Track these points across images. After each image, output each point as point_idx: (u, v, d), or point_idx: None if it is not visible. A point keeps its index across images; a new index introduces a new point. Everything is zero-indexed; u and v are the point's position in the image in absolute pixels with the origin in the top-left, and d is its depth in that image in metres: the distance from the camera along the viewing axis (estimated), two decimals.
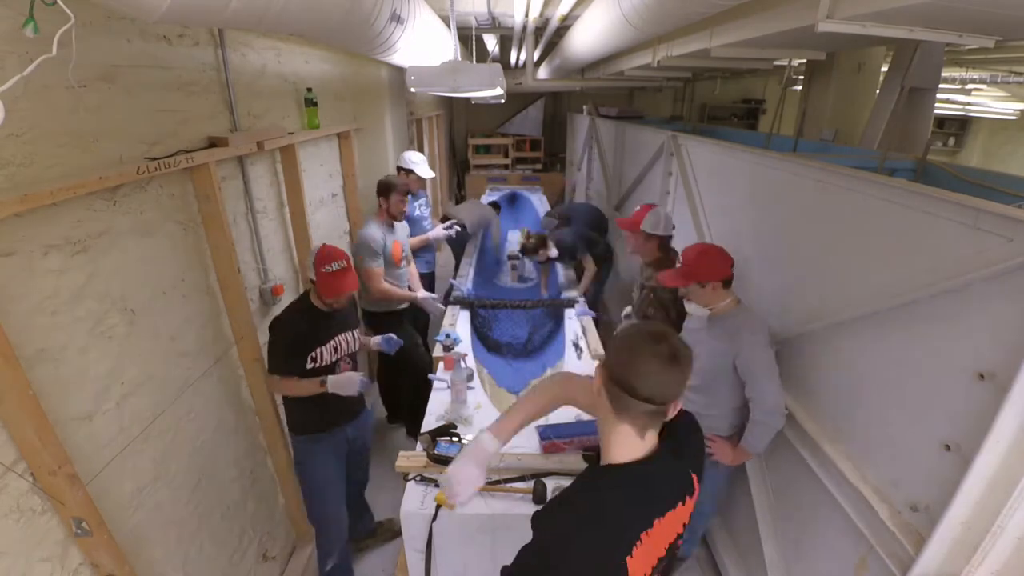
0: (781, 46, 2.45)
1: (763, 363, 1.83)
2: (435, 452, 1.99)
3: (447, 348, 2.78)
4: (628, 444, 0.95)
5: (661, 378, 0.90)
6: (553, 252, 3.80)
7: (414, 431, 3.34)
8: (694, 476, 1.01)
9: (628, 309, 2.92)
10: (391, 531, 2.67)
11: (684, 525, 1.00)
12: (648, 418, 0.94)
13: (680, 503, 0.98)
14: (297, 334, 1.97)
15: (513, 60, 6.86)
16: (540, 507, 1.00)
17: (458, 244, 4.67)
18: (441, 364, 2.73)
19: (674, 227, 2.63)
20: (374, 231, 2.88)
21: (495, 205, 5.32)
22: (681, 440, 1.01)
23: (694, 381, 2.11)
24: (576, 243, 3.89)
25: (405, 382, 3.41)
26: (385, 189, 2.93)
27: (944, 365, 1.27)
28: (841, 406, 1.68)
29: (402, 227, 3.15)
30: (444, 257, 5.56)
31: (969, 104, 8.28)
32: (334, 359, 2.07)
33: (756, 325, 1.90)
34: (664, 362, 0.90)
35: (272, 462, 2.36)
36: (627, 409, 0.92)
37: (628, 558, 0.89)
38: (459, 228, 4.06)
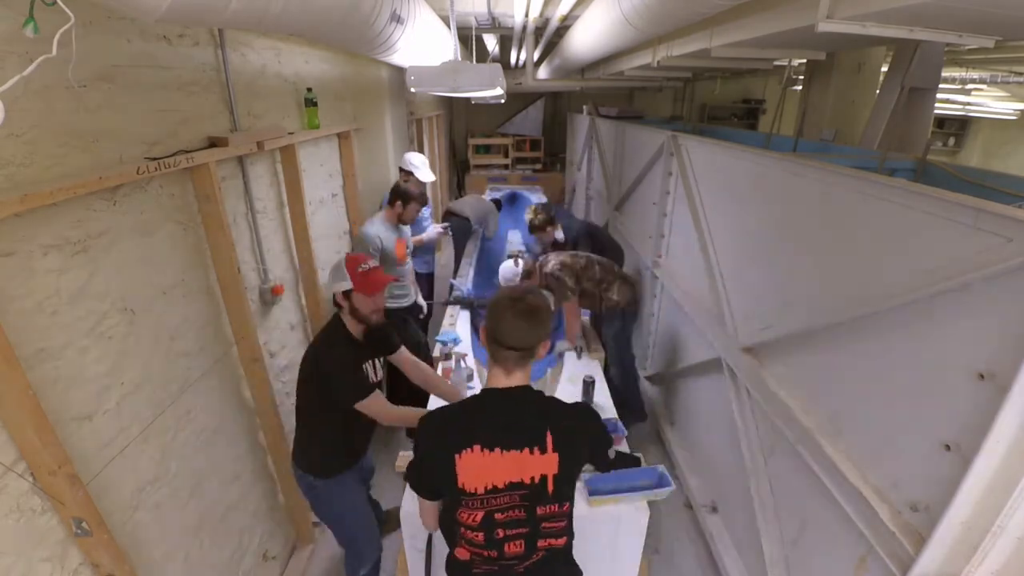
0: (781, 46, 2.45)
1: None
2: None
3: (447, 356, 2.77)
4: (496, 378, 1.23)
5: (514, 328, 1.17)
6: (559, 235, 3.71)
7: (413, 431, 3.35)
8: (549, 438, 1.19)
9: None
10: (398, 519, 2.67)
11: (536, 480, 1.19)
12: (513, 361, 1.20)
13: (527, 449, 1.18)
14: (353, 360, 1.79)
15: (513, 60, 6.86)
16: None
17: (462, 236, 4.73)
18: (440, 367, 2.74)
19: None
20: (375, 229, 2.94)
21: (496, 203, 5.35)
22: (555, 410, 1.26)
23: None
24: (579, 236, 3.76)
25: (404, 381, 3.41)
26: (405, 196, 3.00)
27: (944, 365, 1.27)
28: (841, 406, 1.68)
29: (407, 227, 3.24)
30: (444, 257, 5.57)
31: (969, 104, 8.29)
32: None
33: None
34: (517, 316, 1.17)
35: (272, 462, 2.36)
36: (496, 353, 1.21)
37: (456, 455, 1.15)
38: (451, 232, 4.14)
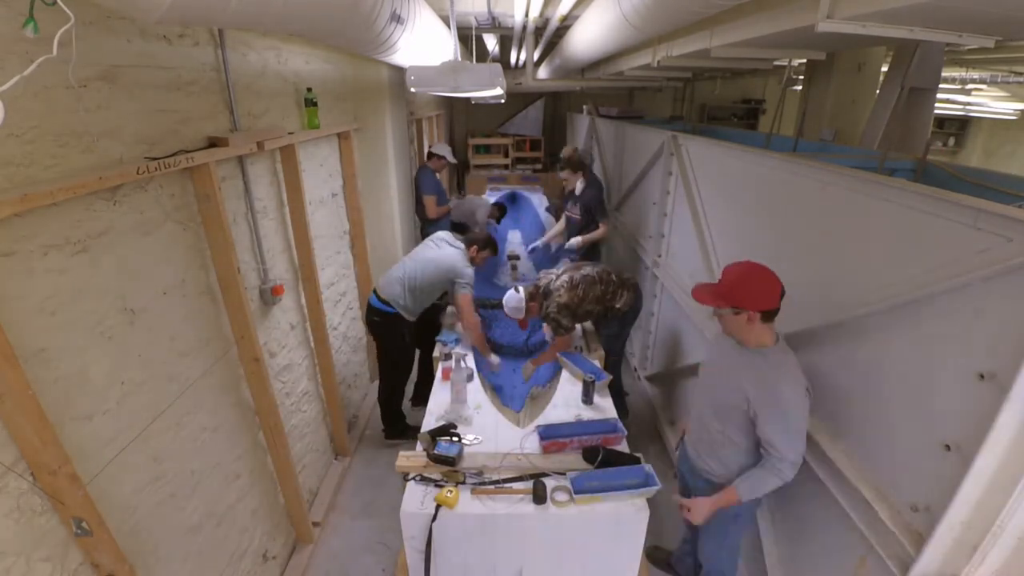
0: (781, 46, 2.45)
1: (795, 412, 1.55)
2: (435, 452, 1.99)
3: (447, 356, 2.77)
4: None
5: None
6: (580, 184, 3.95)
7: (392, 435, 3.38)
8: None
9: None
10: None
11: None
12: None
13: None
14: None
15: (513, 60, 6.86)
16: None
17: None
18: (439, 370, 2.74)
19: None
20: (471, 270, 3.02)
21: (500, 207, 5.39)
22: None
23: (710, 411, 1.82)
24: (595, 202, 3.86)
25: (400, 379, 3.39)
26: (493, 245, 3.18)
27: (944, 365, 1.27)
28: (841, 406, 1.68)
29: None
30: None
31: (969, 104, 8.29)
32: None
33: (793, 374, 1.59)
34: None
35: (272, 462, 2.36)
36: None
37: None
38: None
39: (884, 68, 4.18)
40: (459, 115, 9.90)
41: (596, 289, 2.81)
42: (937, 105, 4.03)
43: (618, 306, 2.88)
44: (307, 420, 2.81)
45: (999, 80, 6.43)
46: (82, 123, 1.31)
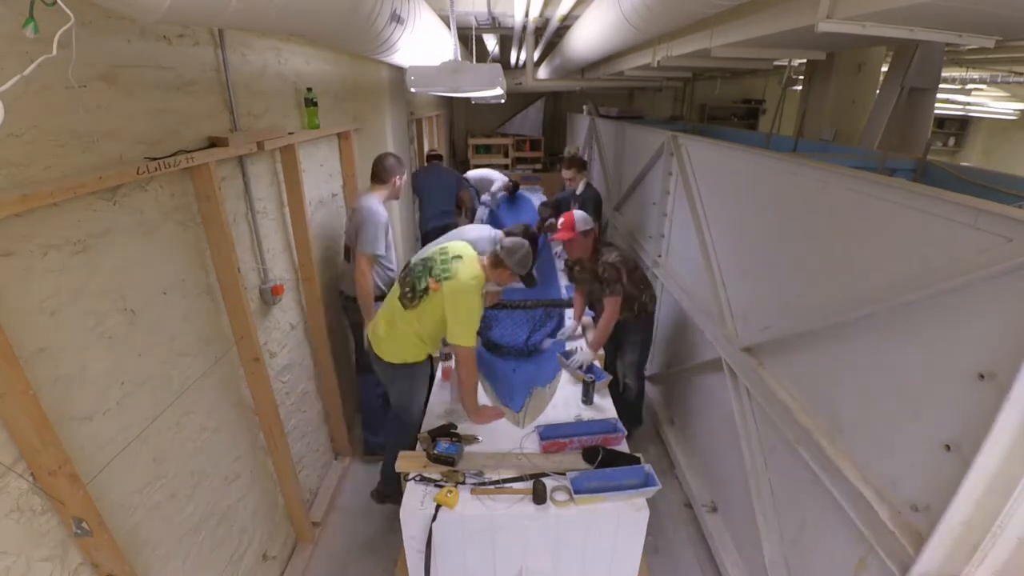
0: (781, 46, 2.45)
1: None
2: (435, 452, 1.99)
3: (447, 356, 2.77)
4: None
5: None
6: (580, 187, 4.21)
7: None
8: None
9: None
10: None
11: None
12: None
13: None
14: None
15: (513, 60, 6.86)
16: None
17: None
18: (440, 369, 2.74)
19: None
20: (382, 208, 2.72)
21: (515, 183, 5.73)
22: None
23: None
24: (587, 203, 3.93)
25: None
26: (401, 168, 2.90)
27: (944, 365, 1.27)
28: (841, 406, 1.68)
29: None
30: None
31: (969, 104, 8.28)
32: None
33: None
34: None
35: (272, 462, 2.36)
36: None
37: None
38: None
39: (884, 68, 4.17)
40: (459, 115, 9.90)
41: (638, 273, 2.99)
42: (937, 105, 4.02)
43: (643, 298, 2.98)
44: (307, 420, 2.81)
45: (999, 80, 6.43)
46: (82, 123, 1.31)
